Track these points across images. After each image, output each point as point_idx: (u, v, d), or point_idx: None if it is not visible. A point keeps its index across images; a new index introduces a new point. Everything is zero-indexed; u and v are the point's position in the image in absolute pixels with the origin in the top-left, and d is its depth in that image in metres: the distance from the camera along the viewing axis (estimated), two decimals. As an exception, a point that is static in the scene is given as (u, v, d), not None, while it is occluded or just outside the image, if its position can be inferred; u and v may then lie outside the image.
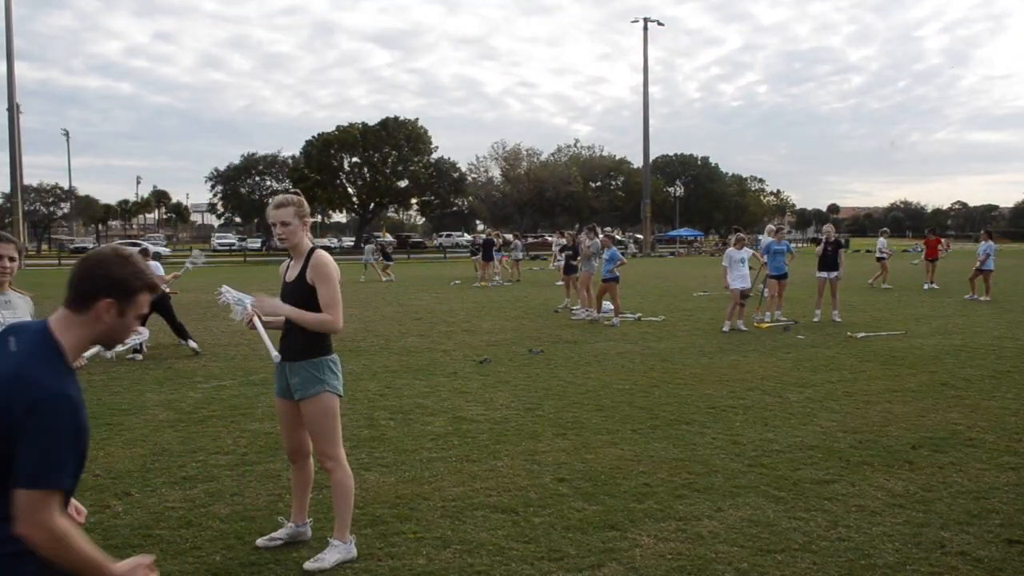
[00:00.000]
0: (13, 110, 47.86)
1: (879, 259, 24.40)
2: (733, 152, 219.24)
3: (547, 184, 78.84)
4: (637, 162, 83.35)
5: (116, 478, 5.86)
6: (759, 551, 4.45)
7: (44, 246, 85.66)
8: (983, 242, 20.59)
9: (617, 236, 57.30)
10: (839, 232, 20.20)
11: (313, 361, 4.31)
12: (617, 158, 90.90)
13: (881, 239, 25.30)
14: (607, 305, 15.62)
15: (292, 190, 4.45)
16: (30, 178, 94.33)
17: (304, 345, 4.31)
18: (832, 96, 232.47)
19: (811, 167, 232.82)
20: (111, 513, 5.14)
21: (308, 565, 4.29)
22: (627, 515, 5.02)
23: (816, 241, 19.40)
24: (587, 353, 11.47)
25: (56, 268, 47.32)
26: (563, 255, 19.85)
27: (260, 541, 4.62)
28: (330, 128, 78.84)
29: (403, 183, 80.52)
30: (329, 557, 4.32)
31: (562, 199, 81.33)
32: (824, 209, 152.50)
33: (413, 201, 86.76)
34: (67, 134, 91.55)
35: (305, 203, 4.34)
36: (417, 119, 79.73)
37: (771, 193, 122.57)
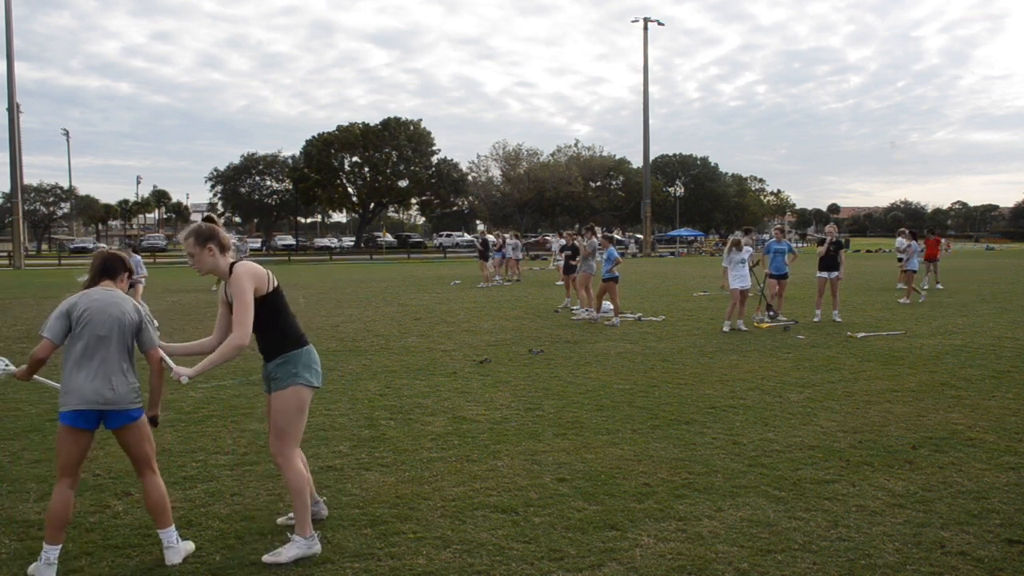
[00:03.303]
0: (13, 110, 47.81)
1: (900, 260, 23.55)
2: (733, 152, 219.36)
3: (547, 184, 78.85)
4: (637, 162, 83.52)
5: (116, 478, 5.85)
6: (759, 551, 4.45)
7: (44, 246, 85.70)
8: (907, 242, 20.11)
9: (617, 236, 57.24)
10: (839, 232, 20.09)
11: (285, 355, 4.41)
12: (617, 158, 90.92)
13: (900, 239, 23.57)
14: (607, 305, 15.61)
15: (206, 214, 4.53)
16: (30, 178, 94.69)
17: (273, 344, 4.42)
18: (831, 96, 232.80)
19: (811, 167, 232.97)
20: (111, 513, 5.14)
21: (266, 558, 4.36)
22: (627, 515, 5.02)
23: (818, 240, 19.22)
24: (587, 353, 11.47)
25: (56, 268, 47.35)
26: (563, 255, 19.86)
27: (280, 520, 4.88)
28: (329, 128, 79.06)
29: (404, 183, 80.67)
30: (287, 552, 4.37)
31: (562, 199, 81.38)
32: (824, 209, 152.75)
33: (413, 201, 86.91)
34: (67, 134, 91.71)
35: (204, 228, 4.38)
36: (420, 120, 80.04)
37: (771, 193, 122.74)
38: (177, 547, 4.40)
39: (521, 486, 5.60)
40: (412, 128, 79.25)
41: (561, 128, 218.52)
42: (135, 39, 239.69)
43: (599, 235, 16.80)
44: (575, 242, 18.02)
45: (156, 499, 4.41)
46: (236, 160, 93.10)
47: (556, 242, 30.78)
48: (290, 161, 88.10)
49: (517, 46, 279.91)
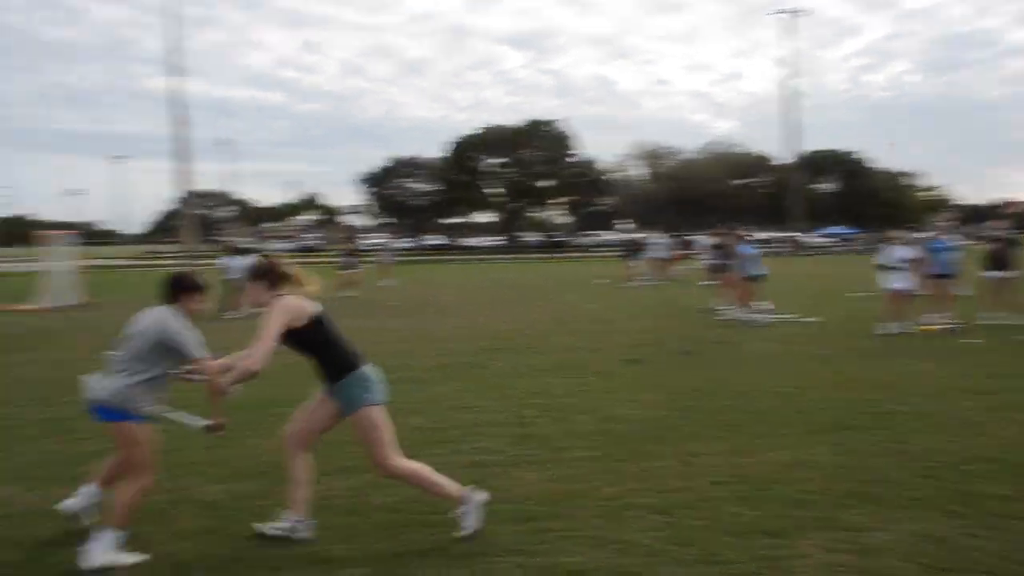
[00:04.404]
0: (182, 122, 51.11)
1: None
2: (885, 145, 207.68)
3: (690, 183, 77.53)
4: (783, 158, 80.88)
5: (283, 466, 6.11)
6: (937, 570, 4.16)
7: (208, 246, 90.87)
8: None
9: (762, 235, 55.42)
10: (1011, 228, 18.72)
11: (339, 383, 4.65)
12: (761, 154, 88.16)
13: None
14: (763, 304, 15.24)
15: (266, 252, 4.96)
16: (198, 184, 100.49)
17: (325, 370, 4.70)
18: (993, 83, 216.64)
19: (973, 159, 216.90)
20: (279, 499, 5.36)
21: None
22: (787, 522, 4.83)
23: (985, 238, 17.92)
24: (739, 354, 11.17)
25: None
26: (711, 254, 19.46)
27: (264, 527, 4.81)
28: (470, 130, 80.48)
29: (546, 183, 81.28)
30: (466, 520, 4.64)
31: (706, 198, 79.73)
32: (992, 204, 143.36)
33: (557, 201, 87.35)
34: (228, 142, 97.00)
35: (258, 264, 4.76)
36: (561, 120, 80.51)
37: (929, 188, 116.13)
38: (99, 550, 4.40)
39: (675, 488, 5.50)
40: (554, 129, 79.73)
41: (701, 125, 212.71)
42: (285, 51, 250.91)
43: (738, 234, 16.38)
44: (723, 241, 17.62)
45: (117, 498, 4.56)
46: (383, 163, 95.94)
47: (703, 241, 30.14)
48: (435, 164, 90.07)
49: (652, 44, 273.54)
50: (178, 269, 5.05)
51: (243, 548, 4.60)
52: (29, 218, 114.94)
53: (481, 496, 4.71)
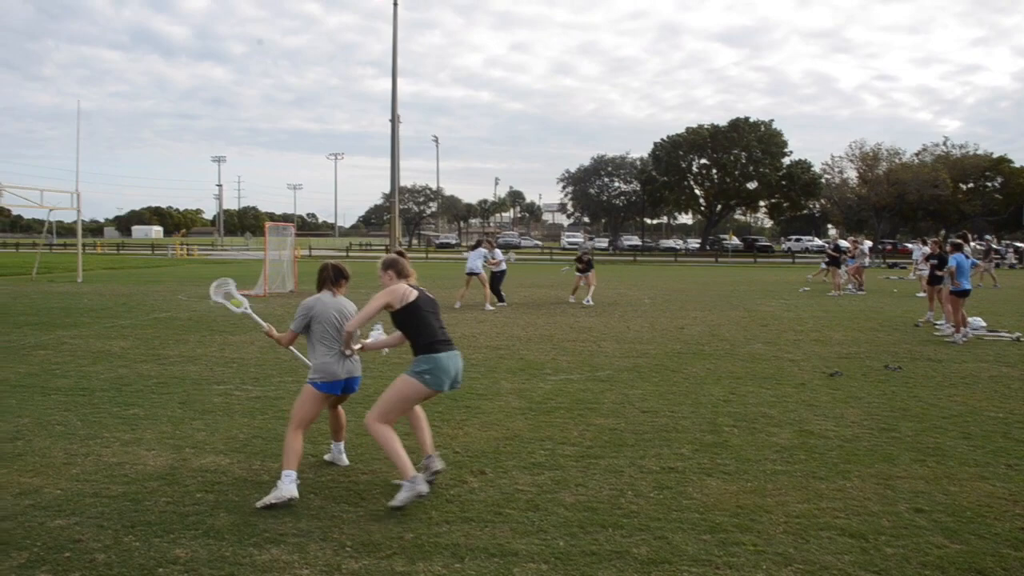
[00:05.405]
0: (395, 121, 53.56)
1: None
2: None
3: (909, 187, 72.62)
4: (1020, 160, 74.23)
5: (473, 457, 6.36)
6: None
7: (414, 241, 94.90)
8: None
9: (993, 245, 51.22)
10: None
11: (417, 357, 5.42)
12: (994, 156, 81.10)
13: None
14: (976, 321, 14.14)
15: (398, 248, 5.72)
16: (405, 180, 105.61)
17: (412, 344, 5.49)
18: None
19: None
20: (467, 488, 5.60)
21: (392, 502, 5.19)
22: (999, 561, 4.47)
23: None
24: (953, 373, 10.42)
25: (424, 261, 52.18)
26: (927, 264, 18.24)
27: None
28: (677, 129, 79.42)
29: (752, 185, 79.02)
30: (400, 496, 5.16)
31: (926, 203, 74.56)
32: None
33: (762, 203, 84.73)
34: (436, 140, 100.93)
35: (387, 258, 5.70)
36: (772, 120, 77.89)
37: None
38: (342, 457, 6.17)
39: (872, 511, 5.24)
40: (763, 129, 77.28)
41: (926, 124, 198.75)
42: (495, 51, 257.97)
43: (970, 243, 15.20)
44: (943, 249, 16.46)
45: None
46: (586, 162, 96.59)
47: (919, 250, 28.29)
48: (638, 163, 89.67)
49: (876, 36, 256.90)
50: (333, 261, 6.03)
51: (422, 531, 4.82)
52: (253, 210, 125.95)
53: (422, 487, 5.17)
